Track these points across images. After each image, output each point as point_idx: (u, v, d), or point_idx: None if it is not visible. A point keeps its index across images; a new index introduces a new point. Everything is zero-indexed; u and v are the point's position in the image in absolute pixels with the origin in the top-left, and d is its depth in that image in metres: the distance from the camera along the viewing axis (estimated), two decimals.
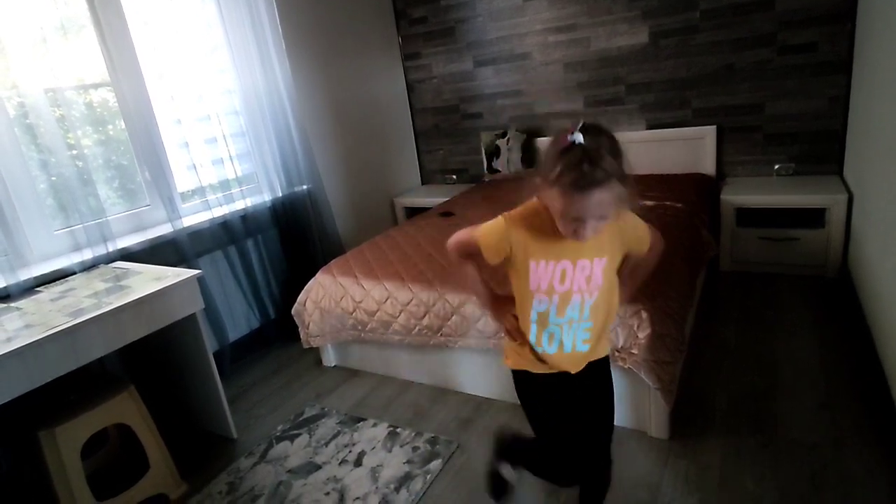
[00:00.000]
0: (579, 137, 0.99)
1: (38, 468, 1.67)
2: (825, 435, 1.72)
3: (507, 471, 1.48)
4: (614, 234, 1.15)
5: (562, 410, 1.31)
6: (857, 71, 2.70)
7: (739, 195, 2.91)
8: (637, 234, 1.19)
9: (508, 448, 1.49)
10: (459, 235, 1.26)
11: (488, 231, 1.19)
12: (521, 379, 1.31)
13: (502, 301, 1.29)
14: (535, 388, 1.31)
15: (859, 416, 1.78)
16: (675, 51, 3.21)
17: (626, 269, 1.25)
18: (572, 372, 1.24)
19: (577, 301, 1.16)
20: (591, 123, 1.02)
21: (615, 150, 1.01)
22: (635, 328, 1.70)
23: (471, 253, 1.24)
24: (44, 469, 1.62)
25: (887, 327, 1.86)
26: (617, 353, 1.73)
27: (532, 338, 1.21)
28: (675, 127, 3.33)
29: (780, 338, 2.30)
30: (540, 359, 1.24)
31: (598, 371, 1.29)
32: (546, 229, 1.12)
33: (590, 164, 0.97)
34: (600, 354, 1.28)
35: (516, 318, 1.25)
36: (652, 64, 3.29)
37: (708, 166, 3.26)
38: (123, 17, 2.29)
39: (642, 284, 1.24)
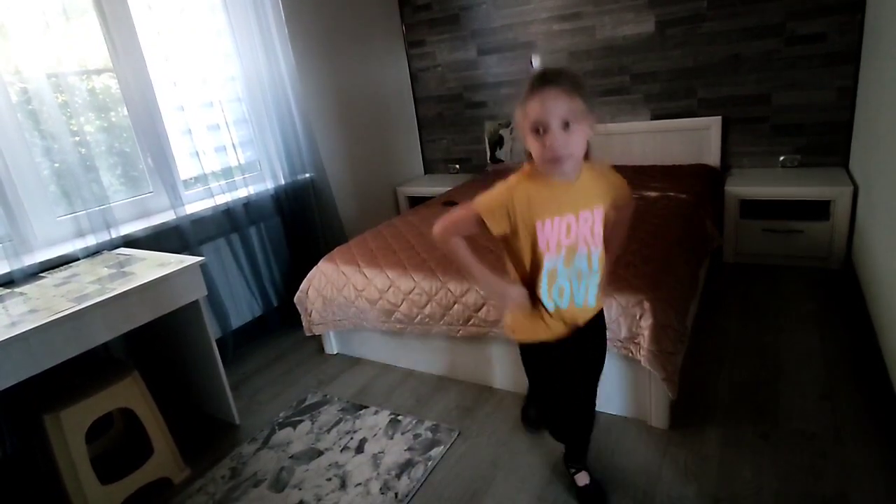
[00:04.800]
0: (537, 61, 1.14)
1: (43, 451, 1.68)
2: (825, 426, 1.72)
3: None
4: (602, 182, 1.23)
5: (569, 371, 1.41)
6: (865, 62, 2.67)
7: (744, 186, 2.89)
8: (619, 182, 1.29)
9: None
10: (450, 217, 1.25)
11: (490, 199, 1.19)
12: (533, 351, 1.38)
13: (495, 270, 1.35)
14: (547, 358, 1.38)
15: (860, 408, 1.78)
16: (681, 40, 3.18)
17: (609, 227, 1.30)
18: (580, 324, 1.32)
19: (583, 252, 1.21)
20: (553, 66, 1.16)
21: (577, 80, 1.11)
22: (637, 318, 1.70)
23: (463, 232, 1.25)
24: (49, 452, 1.63)
25: (889, 319, 1.86)
26: (619, 343, 1.74)
27: (543, 294, 1.24)
28: (680, 117, 3.30)
29: (783, 329, 2.30)
30: (552, 316, 1.27)
31: (597, 322, 1.40)
32: (543, 186, 1.16)
33: (549, 70, 1.10)
34: (602, 305, 1.40)
35: (523, 281, 1.28)
36: (658, 53, 3.26)
37: (713, 157, 3.24)
38: (126, 1, 2.28)
39: (625, 243, 1.39)
